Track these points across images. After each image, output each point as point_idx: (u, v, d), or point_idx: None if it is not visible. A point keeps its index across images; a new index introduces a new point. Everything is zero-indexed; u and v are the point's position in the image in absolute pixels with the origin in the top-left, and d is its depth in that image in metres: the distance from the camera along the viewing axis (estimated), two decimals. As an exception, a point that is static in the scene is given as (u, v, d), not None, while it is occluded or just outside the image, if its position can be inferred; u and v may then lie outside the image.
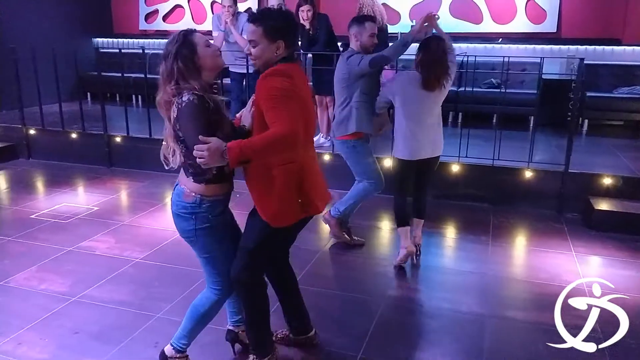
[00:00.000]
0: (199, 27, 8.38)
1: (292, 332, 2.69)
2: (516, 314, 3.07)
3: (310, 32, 5.21)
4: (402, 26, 7.01)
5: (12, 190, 5.38)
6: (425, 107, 3.45)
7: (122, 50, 6.50)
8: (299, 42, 5.25)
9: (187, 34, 2.11)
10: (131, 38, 8.85)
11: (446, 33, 3.59)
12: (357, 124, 3.58)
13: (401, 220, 3.62)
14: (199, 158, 1.95)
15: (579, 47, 6.78)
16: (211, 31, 5.88)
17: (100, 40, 8.91)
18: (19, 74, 6.11)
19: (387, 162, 4.62)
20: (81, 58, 6.27)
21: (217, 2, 8.24)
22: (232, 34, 5.50)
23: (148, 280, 3.42)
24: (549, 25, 7.03)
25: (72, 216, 4.52)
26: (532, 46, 6.93)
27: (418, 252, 3.76)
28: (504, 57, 4.85)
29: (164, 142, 2.24)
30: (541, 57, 4.85)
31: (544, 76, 5.26)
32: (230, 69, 5.67)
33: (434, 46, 3.36)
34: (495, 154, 4.74)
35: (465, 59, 5.26)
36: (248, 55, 2.22)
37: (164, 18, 8.79)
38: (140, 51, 6.00)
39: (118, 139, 5.99)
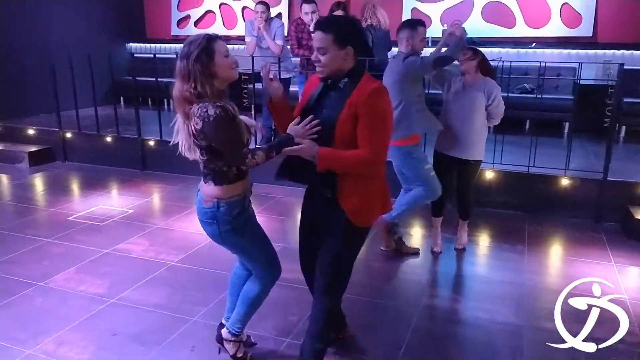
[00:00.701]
0: (229, 33, 8.51)
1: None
2: (553, 326, 2.99)
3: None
4: (432, 30, 6.96)
5: (49, 192, 5.52)
6: (462, 106, 3.62)
7: (156, 56, 6.62)
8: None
9: (211, 39, 2.14)
10: (164, 43, 8.99)
11: (473, 40, 3.67)
12: (419, 125, 3.57)
13: (433, 210, 3.94)
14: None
15: (616, 51, 6.63)
16: (243, 36, 5.94)
17: (133, 45, 9.08)
18: (56, 78, 6.27)
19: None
20: (115, 63, 6.39)
21: (248, 7, 8.33)
22: (265, 39, 5.55)
23: (183, 283, 3.46)
24: (585, 30, 6.89)
25: (107, 218, 4.61)
26: (567, 51, 6.80)
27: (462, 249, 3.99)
28: (540, 62, 4.77)
29: (179, 136, 2.25)
30: (579, 63, 4.76)
31: (580, 81, 5.17)
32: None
33: None
34: (530, 161, 4.66)
35: (500, 64, 5.19)
36: (315, 63, 2.19)
37: (196, 23, 8.92)
38: (173, 56, 6.05)
39: (151, 143, 6.09)
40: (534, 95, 5.69)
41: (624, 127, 6.35)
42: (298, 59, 5.84)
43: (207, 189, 2.25)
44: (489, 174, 4.78)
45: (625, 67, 4.44)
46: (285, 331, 2.89)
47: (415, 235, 4.33)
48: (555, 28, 7.01)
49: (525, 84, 6.61)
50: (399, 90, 3.51)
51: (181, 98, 2.14)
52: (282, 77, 5.47)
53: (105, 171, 6.15)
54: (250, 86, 5.79)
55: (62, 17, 7.80)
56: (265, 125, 5.39)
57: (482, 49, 3.80)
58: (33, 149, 6.52)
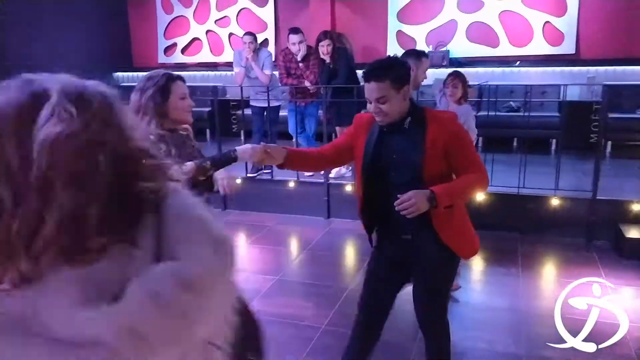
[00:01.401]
0: (217, 59, 8.54)
1: None
2: (553, 354, 3.01)
3: (331, 66, 5.28)
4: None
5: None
6: None
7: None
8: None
9: (170, 79, 2.12)
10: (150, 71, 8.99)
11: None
12: None
13: None
14: (408, 209, 1.99)
15: (599, 68, 6.75)
16: (230, 62, 5.97)
17: (121, 74, 9.09)
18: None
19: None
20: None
21: (234, 34, 8.38)
22: (253, 70, 5.58)
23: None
24: (568, 47, 7.00)
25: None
26: (551, 68, 6.90)
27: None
28: (526, 85, 4.85)
29: None
30: (564, 85, 4.84)
31: (565, 99, 5.25)
32: (251, 103, 5.76)
33: None
34: (520, 182, 4.70)
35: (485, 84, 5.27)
36: (375, 114, 2.15)
37: (183, 51, 8.94)
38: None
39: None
40: (521, 114, 5.77)
41: (609, 143, 6.44)
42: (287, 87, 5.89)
43: None
44: (480, 196, 4.81)
45: (607, 83, 4.53)
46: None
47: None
48: (538, 46, 7.12)
49: (511, 103, 6.69)
50: None
51: None
52: (271, 105, 5.51)
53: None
54: (240, 112, 5.82)
55: (48, 48, 7.80)
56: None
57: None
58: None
